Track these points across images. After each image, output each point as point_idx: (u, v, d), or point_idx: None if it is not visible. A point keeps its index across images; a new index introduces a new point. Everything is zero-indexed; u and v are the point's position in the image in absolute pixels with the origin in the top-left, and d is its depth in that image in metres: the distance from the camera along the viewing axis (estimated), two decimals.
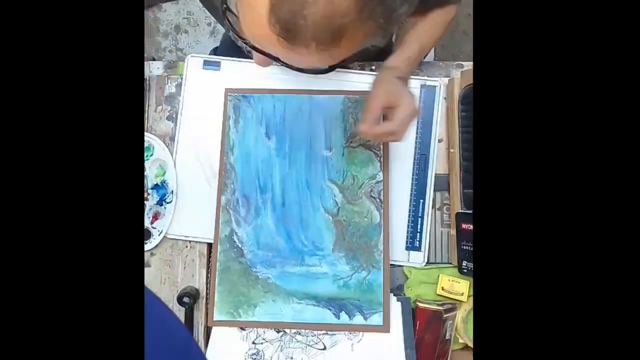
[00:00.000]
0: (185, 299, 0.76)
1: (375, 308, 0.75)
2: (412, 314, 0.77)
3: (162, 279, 0.80)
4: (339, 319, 0.76)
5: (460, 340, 0.79)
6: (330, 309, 0.76)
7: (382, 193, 0.77)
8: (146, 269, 0.79)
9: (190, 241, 0.80)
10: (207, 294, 0.79)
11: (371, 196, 0.77)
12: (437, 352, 0.77)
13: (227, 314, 0.76)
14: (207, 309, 0.79)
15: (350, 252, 0.77)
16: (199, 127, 0.80)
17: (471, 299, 0.77)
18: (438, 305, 0.76)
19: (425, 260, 0.79)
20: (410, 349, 0.75)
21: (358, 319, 0.75)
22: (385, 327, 0.75)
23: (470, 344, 0.78)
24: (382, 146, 0.78)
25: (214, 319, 0.76)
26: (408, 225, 0.79)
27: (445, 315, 0.76)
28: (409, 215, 0.79)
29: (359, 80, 0.80)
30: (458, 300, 0.77)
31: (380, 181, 0.77)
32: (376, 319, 0.75)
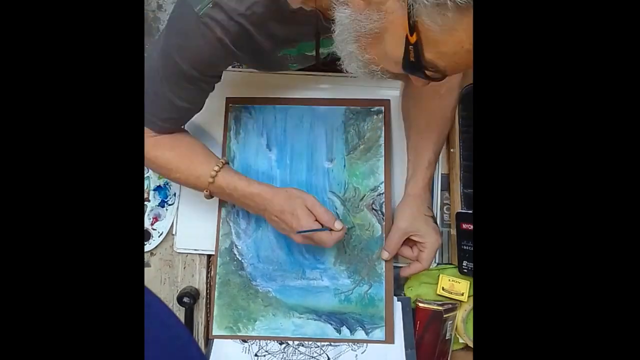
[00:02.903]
0: (185, 299, 0.76)
1: (377, 322, 0.74)
2: (412, 314, 0.76)
3: (162, 279, 0.80)
4: (340, 333, 0.74)
5: (461, 340, 0.79)
6: (331, 324, 0.75)
7: (384, 205, 0.77)
8: (146, 269, 0.79)
9: (199, 254, 0.80)
10: (207, 305, 0.78)
11: (373, 208, 0.77)
12: (437, 352, 0.76)
13: (226, 328, 0.75)
14: (207, 320, 0.78)
15: (351, 266, 0.76)
16: (201, 137, 0.80)
17: (471, 299, 0.77)
18: (438, 305, 0.76)
19: (437, 261, 0.79)
20: (411, 349, 0.74)
21: (359, 334, 0.74)
22: (388, 341, 0.74)
23: (471, 344, 0.78)
24: (384, 158, 0.78)
25: (213, 334, 0.75)
26: None
27: (445, 315, 0.76)
28: None
29: (361, 84, 0.81)
30: (458, 300, 0.77)
31: (382, 193, 0.77)
32: (378, 333, 0.74)
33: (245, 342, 0.75)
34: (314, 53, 0.65)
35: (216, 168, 0.69)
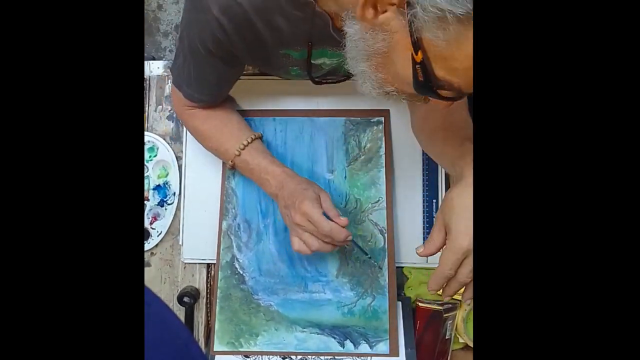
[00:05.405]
0: (186, 299, 0.75)
1: (381, 336, 0.73)
2: (412, 313, 0.76)
3: (162, 279, 0.79)
4: (343, 347, 0.73)
5: (461, 340, 0.78)
6: (334, 337, 0.73)
7: (386, 220, 0.76)
8: (146, 269, 0.79)
9: (208, 264, 0.80)
10: (207, 305, 0.78)
11: (374, 223, 0.76)
12: (437, 352, 0.76)
13: (227, 344, 0.74)
14: (207, 320, 0.77)
15: (354, 278, 0.75)
16: (202, 150, 0.80)
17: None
18: (438, 305, 0.75)
19: None
20: (411, 348, 0.73)
21: (364, 348, 0.73)
22: (392, 355, 0.72)
23: (471, 344, 0.77)
24: (384, 168, 0.78)
25: (215, 349, 0.74)
26: (424, 227, 0.78)
27: (445, 315, 0.75)
28: (424, 216, 0.78)
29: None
30: (458, 300, 0.76)
31: (384, 207, 0.76)
32: (382, 347, 0.73)
33: (248, 357, 0.74)
34: (313, 60, 0.63)
35: (245, 142, 0.70)
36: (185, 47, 0.64)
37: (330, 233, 0.61)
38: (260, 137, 0.74)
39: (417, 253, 0.57)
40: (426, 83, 0.44)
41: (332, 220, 0.61)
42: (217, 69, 0.65)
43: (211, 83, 0.68)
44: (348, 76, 0.67)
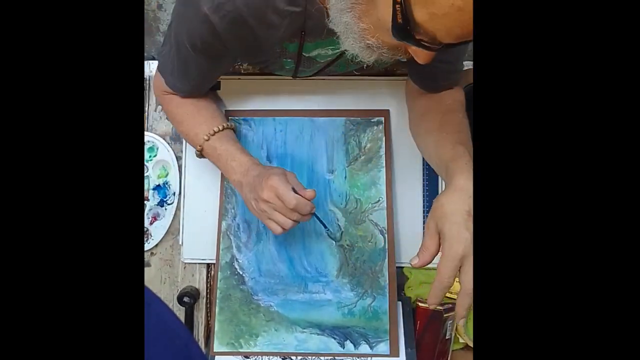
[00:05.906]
0: (185, 299, 0.75)
1: (381, 336, 0.73)
2: (412, 314, 0.76)
3: (162, 279, 0.79)
4: (343, 348, 0.73)
5: (461, 340, 0.78)
6: (334, 338, 0.73)
7: (386, 220, 0.76)
8: (146, 269, 0.79)
9: (208, 264, 0.80)
10: (207, 305, 0.78)
11: (374, 222, 0.76)
12: (437, 352, 0.76)
13: (227, 344, 0.74)
14: (207, 320, 0.77)
15: (354, 278, 0.75)
16: None
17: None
18: (438, 305, 0.74)
19: None
20: (411, 348, 0.73)
21: (364, 348, 0.73)
22: (392, 355, 0.72)
23: (471, 344, 0.77)
24: (385, 169, 0.77)
25: (214, 350, 0.73)
26: (424, 227, 0.77)
27: (445, 315, 0.75)
28: (424, 216, 0.78)
29: (361, 88, 0.81)
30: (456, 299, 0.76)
31: (384, 207, 0.76)
32: (382, 347, 0.73)
33: (247, 358, 0.74)
34: (306, 53, 0.63)
35: (215, 129, 0.70)
36: (172, 38, 0.63)
37: (296, 207, 0.61)
38: (234, 129, 0.74)
39: (411, 265, 0.57)
40: (404, 26, 0.43)
41: (299, 194, 0.61)
42: (200, 65, 0.64)
43: (193, 76, 0.67)
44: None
